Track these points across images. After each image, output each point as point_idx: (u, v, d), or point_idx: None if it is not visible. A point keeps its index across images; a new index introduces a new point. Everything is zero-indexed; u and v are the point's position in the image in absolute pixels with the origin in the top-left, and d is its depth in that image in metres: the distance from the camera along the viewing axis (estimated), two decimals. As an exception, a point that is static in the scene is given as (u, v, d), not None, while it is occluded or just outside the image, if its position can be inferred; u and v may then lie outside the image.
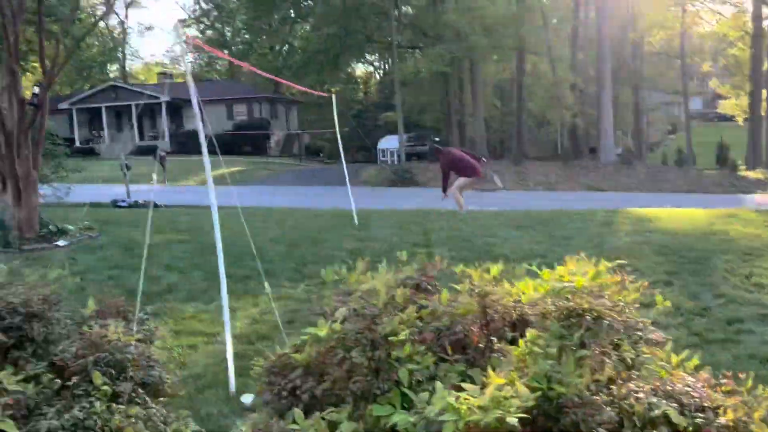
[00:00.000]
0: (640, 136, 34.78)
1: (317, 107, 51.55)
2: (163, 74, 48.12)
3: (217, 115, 38.74)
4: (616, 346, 1.93)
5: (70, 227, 10.48)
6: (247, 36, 46.11)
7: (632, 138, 38.32)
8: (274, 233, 10.36)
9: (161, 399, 2.58)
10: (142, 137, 39.45)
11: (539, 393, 1.61)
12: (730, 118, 42.51)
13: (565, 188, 24.47)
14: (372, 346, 1.95)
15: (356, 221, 11.29)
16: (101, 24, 32.58)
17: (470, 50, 27.36)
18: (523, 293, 2.10)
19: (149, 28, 75.27)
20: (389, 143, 37.24)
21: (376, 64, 56.44)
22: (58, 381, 2.27)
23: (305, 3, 32.40)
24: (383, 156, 37.30)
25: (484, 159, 13.58)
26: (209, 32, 53.17)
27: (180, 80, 52.21)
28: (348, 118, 49.66)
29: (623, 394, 1.74)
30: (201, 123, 4.72)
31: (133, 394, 2.50)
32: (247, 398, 4.45)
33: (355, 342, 1.98)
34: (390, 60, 52.29)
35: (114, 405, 2.33)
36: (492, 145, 36.19)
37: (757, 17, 32.19)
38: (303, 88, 9.99)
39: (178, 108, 40.39)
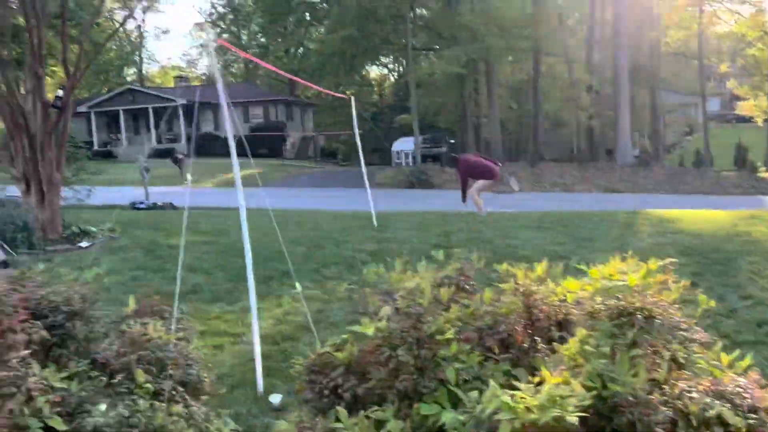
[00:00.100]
0: (657, 138, 34.47)
1: (332, 110, 51.72)
2: (179, 77, 48.57)
3: (234, 117, 38.99)
4: (666, 346, 1.90)
5: (93, 229, 10.58)
6: (262, 39, 46.34)
7: (649, 139, 37.99)
8: (294, 234, 10.37)
9: (202, 398, 2.59)
10: (159, 140, 39.76)
11: (594, 392, 1.60)
12: (748, 120, 42.00)
13: (581, 190, 24.30)
14: (418, 344, 1.94)
15: (375, 223, 11.29)
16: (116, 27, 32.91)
17: (486, 52, 27.28)
18: (569, 292, 2.08)
19: (166, 32, 76.15)
20: (404, 145, 37.22)
21: (391, 66, 56.54)
22: (104, 379, 2.28)
23: (321, 6, 32.51)
24: (398, 158, 37.28)
25: (499, 163, 13.59)
26: (225, 36, 53.56)
27: (196, 83, 52.62)
28: (364, 121, 49.77)
29: (676, 394, 1.72)
30: (230, 124, 4.72)
31: (173, 392, 2.51)
32: (276, 398, 4.46)
33: (401, 340, 1.97)
34: (405, 62, 52.39)
35: (156, 403, 2.34)
36: (507, 146, 36.04)
37: (777, 17, 31.81)
38: (326, 91, 10.02)
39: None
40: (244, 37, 52.11)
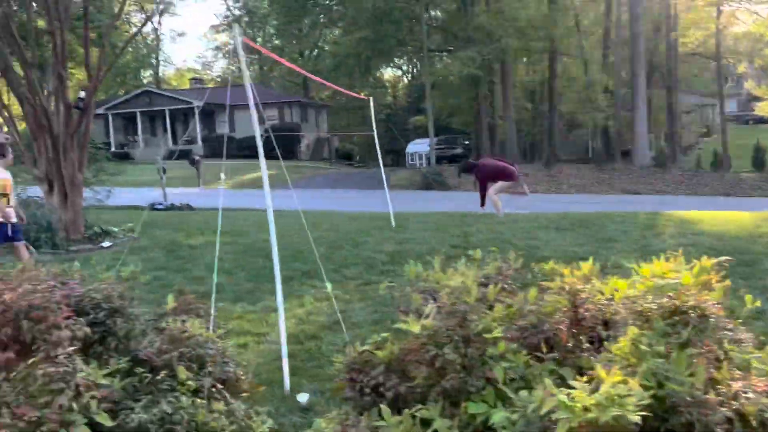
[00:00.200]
0: (674, 139, 34.15)
1: (346, 111, 51.83)
2: (194, 80, 48.93)
3: (249, 119, 39.17)
4: (720, 345, 1.87)
5: (114, 229, 10.68)
6: (277, 41, 46.56)
7: (665, 141, 37.67)
8: (313, 235, 10.36)
9: (242, 395, 2.60)
10: (175, 142, 40.04)
11: (652, 392, 1.57)
12: (766, 121, 41.51)
13: (598, 191, 24.15)
14: (465, 343, 1.93)
15: (393, 223, 11.28)
16: (135, 31, 33.23)
17: (502, 53, 27.20)
18: (616, 291, 2.06)
19: (181, 35, 76.88)
20: (418, 147, 37.20)
21: (404, 68, 56.55)
22: (149, 375, 2.29)
23: (336, 8, 32.58)
24: (412, 159, 37.26)
25: (515, 164, 13.56)
26: (239, 39, 53.76)
27: (211, 85, 52.95)
28: (378, 122, 49.76)
29: (732, 394, 1.69)
30: (257, 124, 4.73)
31: (213, 390, 2.51)
32: (303, 397, 4.46)
33: (447, 339, 1.95)
34: (418, 63, 52.36)
35: (197, 400, 2.34)
36: (522, 147, 35.90)
37: (796, 16, 31.42)
38: (347, 92, 10.03)
39: (210, 113, 40.92)
40: (259, 40, 52.41)
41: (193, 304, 2.97)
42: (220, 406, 2.35)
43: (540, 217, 11.62)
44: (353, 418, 2.07)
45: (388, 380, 2.26)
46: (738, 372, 1.87)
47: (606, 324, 2.11)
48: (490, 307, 2.14)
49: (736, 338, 2.17)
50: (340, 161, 42.04)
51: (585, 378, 1.95)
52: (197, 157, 25.47)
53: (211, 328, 2.70)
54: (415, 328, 1.94)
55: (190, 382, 2.32)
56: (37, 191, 10.86)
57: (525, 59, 34.52)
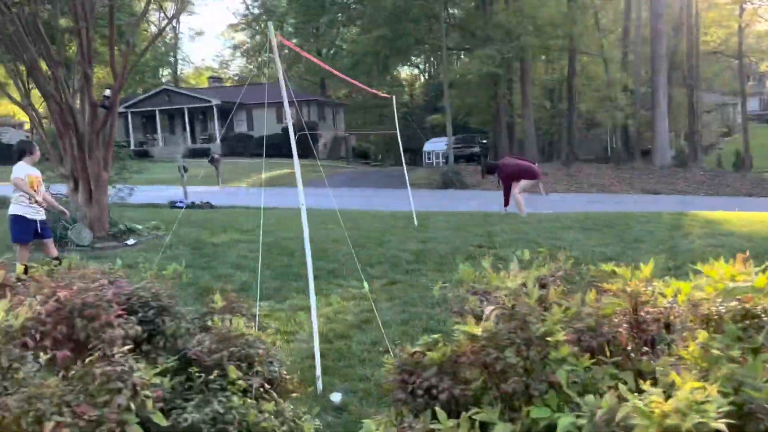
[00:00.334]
0: (694, 139, 33.74)
1: (363, 110, 51.85)
2: (213, 78, 49.23)
3: (267, 117, 39.31)
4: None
5: (138, 227, 10.75)
6: (294, 40, 46.67)
7: (685, 140, 37.24)
8: (336, 234, 10.38)
9: (292, 396, 2.58)
10: (194, 140, 40.31)
11: (730, 398, 1.53)
12: (790, 120, 40.88)
13: (618, 191, 23.92)
14: (527, 346, 1.89)
15: (416, 222, 11.25)
16: (154, 29, 33.44)
17: (521, 51, 27.04)
18: (679, 293, 2.01)
19: (200, 34, 77.47)
20: (435, 146, 37.12)
21: (421, 66, 56.44)
22: (202, 375, 2.28)
23: (354, 6, 32.59)
24: (428, 158, 37.19)
25: (535, 163, 13.49)
26: (257, 38, 54.09)
27: (228, 84, 53.23)
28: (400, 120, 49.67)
29: (808, 402, 1.64)
30: (291, 123, 4.72)
31: (261, 390, 2.50)
32: (336, 397, 4.44)
33: (508, 342, 1.91)
34: (435, 62, 52.24)
35: (248, 400, 2.33)
36: (540, 146, 35.67)
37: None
38: (370, 90, 10.01)
39: (228, 111, 41.13)
40: (277, 39, 52.46)
41: (235, 303, 2.96)
42: (270, 406, 2.33)
43: (563, 217, 11.52)
44: (409, 420, 2.04)
45: (440, 382, 2.22)
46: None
47: (668, 327, 2.06)
48: (545, 309, 2.10)
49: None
50: (357, 160, 42.07)
51: (648, 382, 1.91)
52: (216, 156, 25.61)
53: (255, 327, 2.69)
54: (477, 330, 1.91)
55: (240, 382, 2.30)
56: (62, 189, 10.96)
57: (544, 57, 34.28)
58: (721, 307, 1.81)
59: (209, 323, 2.72)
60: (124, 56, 10.41)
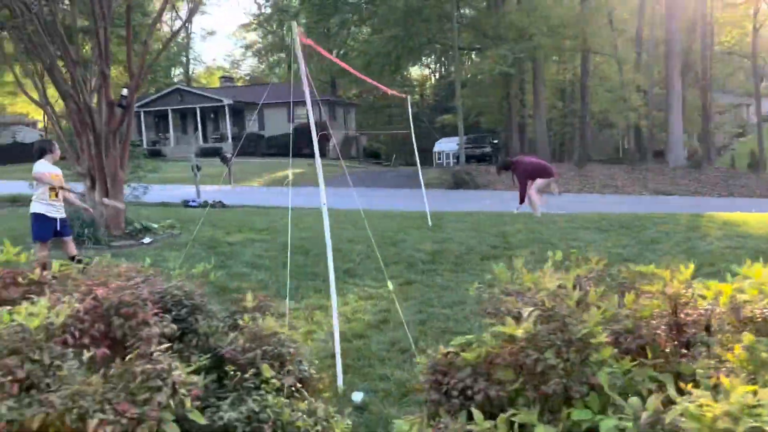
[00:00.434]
0: (708, 139, 33.49)
1: (373, 110, 51.87)
2: (224, 78, 49.40)
3: (278, 117, 39.42)
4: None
5: (154, 225, 10.80)
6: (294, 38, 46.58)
7: (699, 141, 36.98)
8: (351, 234, 10.40)
9: (324, 395, 2.58)
10: (205, 140, 40.47)
11: (781, 402, 1.51)
12: (804, 121, 40.43)
13: (632, 192, 23.77)
14: (567, 347, 1.88)
15: (430, 223, 11.24)
16: (166, 29, 33.62)
17: (534, 50, 26.94)
18: (720, 294, 1.99)
19: (211, 33, 77.75)
20: (445, 146, 37.02)
21: (432, 66, 56.40)
22: (238, 374, 2.28)
23: (366, 7, 32.58)
24: (439, 158, 37.11)
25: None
26: (269, 37, 54.26)
27: (240, 83, 53.41)
28: (406, 121, 49.70)
29: None
30: (313, 123, 4.72)
31: (292, 389, 2.50)
32: (358, 396, 4.44)
33: (548, 343, 1.90)
34: (446, 62, 52.15)
35: (281, 399, 2.33)
36: (551, 147, 35.53)
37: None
38: (388, 89, 10.01)
39: (240, 111, 41.27)
40: (288, 39, 52.74)
41: (264, 302, 2.96)
42: (303, 405, 2.33)
43: (578, 218, 11.47)
44: (446, 420, 2.03)
45: (475, 383, 2.22)
46: None
47: (708, 329, 2.04)
48: (584, 311, 2.08)
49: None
50: (368, 160, 42.08)
51: (689, 385, 1.89)
52: (228, 155, 25.70)
53: (287, 326, 2.70)
54: (517, 332, 1.90)
55: (274, 381, 2.30)
56: (78, 187, 11.03)
57: (556, 58, 34.14)
58: (766, 310, 1.79)
59: (239, 322, 2.72)
60: (141, 56, 10.46)
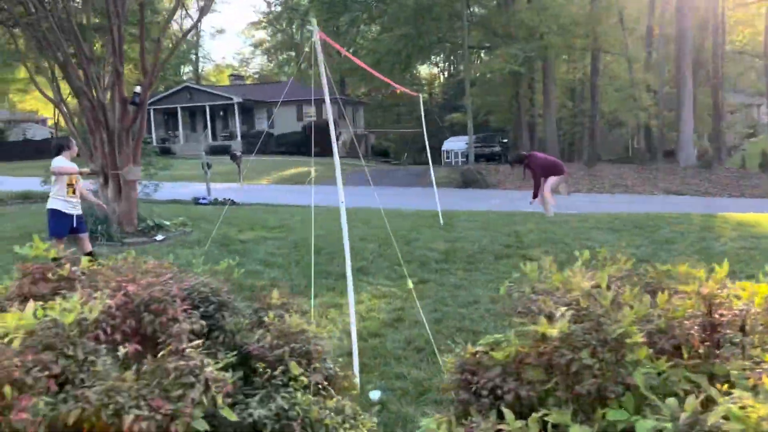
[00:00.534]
0: (719, 139, 33.27)
1: (382, 109, 51.85)
2: (234, 76, 49.51)
3: (288, 115, 39.49)
4: None
5: (166, 222, 10.83)
6: (314, 39, 46.65)
7: (709, 140, 36.75)
8: (363, 232, 10.40)
9: (352, 392, 2.58)
10: (214, 137, 40.57)
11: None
12: (816, 121, 40.15)
13: (642, 191, 23.65)
14: (602, 347, 1.86)
15: (441, 221, 11.22)
16: (175, 27, 33.69)
17: (544, 49, 26.83)
18: (755, 295, 1.97)
19: (221, 32, 77.90)
20: (454, 144, 36.95)
21: (441, 65, 56.30)
22: (267, 371, 2.28)
23: (376, 5, 32.54)
24: (447, 157, 37.05)
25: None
26: (279, 36, 54.34)
27: (249, 81, 53.50)
28: (414, 120, 49.69)
29: None
30: (332, 121, 4.72)
31: (318, 387, 2.50)
32: (375, 394, 4.44)
33: (582, 343, 1.89)
34: (455, 61, 52.03)
35: (309, 396, 2.33)
36: (561, 146, 35.41)
37: None
38: (400, 87, 9.99)
39: (249, 109, 41.35)
40: (297, 37, 52.79)
41: (287, 299, 2.96)
42: (332, 403, 2.33)
43: (591, 218, 11.42)
44: (478, 420, 2.02)
45: (504, 383, 2.20)
46: None
47: (743, 330, 2.02)
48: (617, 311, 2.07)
49: None
50: (377, 158, 42.07)
51: (725, 386, 1.88)
52: (238, 153, 25.73)
53: (325, 323, 2.69)
54: (552, 331, 1.88)
55: (303, 378, 2.30)
56: (87, 184, 11.07)
57: (565, 57, 34.00)
58: (805, 311, 1.77)
59: (264, 319, 2.72)
60: (155, 53, 10.49)
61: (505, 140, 37.22)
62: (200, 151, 25.43)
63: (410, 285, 5.20)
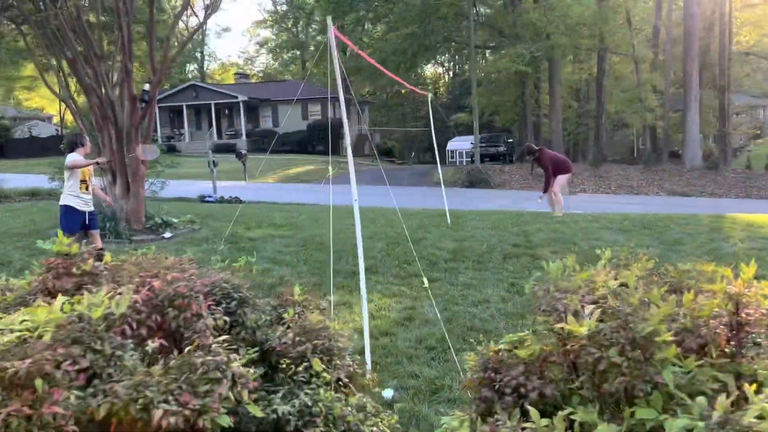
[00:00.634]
0: (725, 140, 33.16)
1: (386, 108, 51.85)
2: (239, 74, 49.57)
3: (293, 114, 39.51)
4: None
5: (174, 220, 10.84)
6: (319, 37, 46.86)
7: (714, 142, 36.64)
8: (370, 231, 10.38)
9: (375, 390, 2.57)
10: (220, 136, 40.61)
11: None
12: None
13: (648, 192, 23.60)
14: (631, 345, 1.85)
15: (449, 221, 11.20)
16: (180, 25, 33.79)
17: (551, 50, 26.78)
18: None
19: (226, 30, 77.87)
20: (459, 144, 36.93)
21: (446, 65, 56.26)
22: (292, 367, 2.27)
23: (382, 5, 32.53)
24: (452, 157, 37.03)
25: None
26: (284, 35, 54.36)
27: (254, 80, 53.53)
28: (418, 119, 49.69)
29: None
30: (346, 122, 4.71)
31: (339, 384, 2.50)
32: (388, 393, 4.44)
33: (610, 342, 1.88)
34: (460, 60, 51.97)
35: (332, 393, 2.32)
36: (566, 146, 35.34)
37: None
38: (410, 86, 10.00)
39: (254, 107, 41.38)
40: (302, 36, 52.84)
41: (306, 296, 2.96)
42: (354, 399, 2.32)
43: (600, 218, 11.39)
44: (504, 418, 2.02)
45: (528, 381, 2.20)
46: None
47: (770, 329, 2.01)
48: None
49: None
50: (381, 158, 42.05)
51: (753, 385, 1.87)
52: (243, 151, 25.76)
53: (336, 321, 2.69)
54: (581, 329, 1.88)
55: (325, 375, 2.30)
56: (97, 181, 11.09)
57: (571, 57, 33.93)
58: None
59: (284, 316, 2.72)
60: (164, 51, 10.50)
61: (511, 140, 37.19)
62: (207, 149, 25.45)
63: (426, 283, 5.18)
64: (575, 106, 37.69)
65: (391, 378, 4.79)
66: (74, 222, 6.63)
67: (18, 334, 1.78)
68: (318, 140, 37.69)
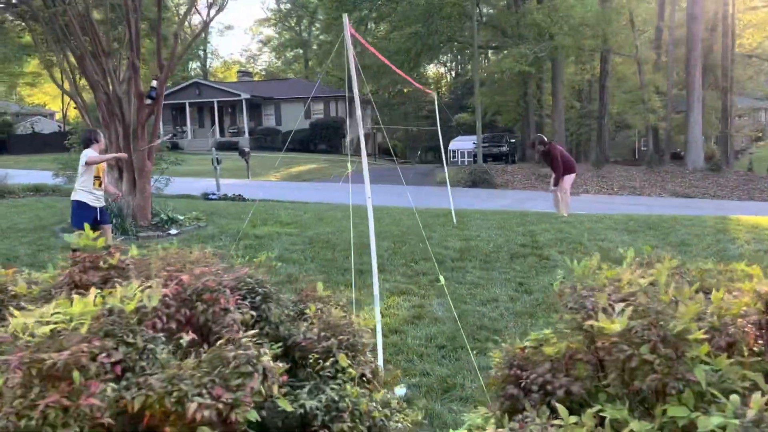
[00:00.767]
0: (727, 142, 33.18)
1: (389, 107, 51.79)
2: (242, 72, 49.59)
3: (296, 112, 39.51)
4: None
5: (180, 217, 10.85)
6: (322, 36, 46.84)
7: (716, 143, 36.66)
8: (376, 229, 10.31)
9: (398, 386, 2.58)
10: (222, 133, 40.61)
11: None
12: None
13: (650, 193, 23.61)
14: (663, 343, 1.86)
15: (455, 220, 11.21)
16: (185, 24, 33.85)
17: (554, 50, 26.78)
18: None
19: (229, 28, 77.84)
20: (461, 144, 36.95)
21: (448, 64, 56.26)
22: (319, 362, 2.28)
23: (386, 5, 32.52)
24: (454, 157, 37.05)
25: None
26: (286, 34, 54.35)
27: (257, 78, 53.55)
28: (421, 119, 49.66)
29: None
30: (360, 121, 4.71)
31: (364, 379, 2.50)
32: (401, 391, 4.44)
33: (641, 339, 1.89)
34: (463, 60, 51.95)
35: (357, 389, 2.33)
36: (569, 147, 35.35)
37: None
38: (419, 86, 10.00)
39: (257, 105, 41.38)
40: (305, 35, 52.85)
41: (329, 292, 2.97)
42: (379, 395, 2.33)
43: (604, 219, 11.39)
44: (532, 415, 2.02)
45: (555, 378, 2.20)
46: None
47: (800, 328, 2.02)
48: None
49: None
50: (384, 156, 42.08)
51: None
52: (247, 149, 25.80)
53: (361, 318, 2.70)
54: (613, 327, 1.88)
55: (351, 370, 2.30)
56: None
57: (574, 58, 33.94)
58: None
59: (306, 311, 2.73)
60: (172, 48, 10.50)
61: (513, 140, 37.21)
62: (210, 147, 25.48)
63: (442, 281, 5.19)
64: (578, 107, 37.70)
65: (402, 376, 4.79)
66: (86, 217, 6.63)
67: (53, 326, 1.79)
68: (320, 139, 37.71)
